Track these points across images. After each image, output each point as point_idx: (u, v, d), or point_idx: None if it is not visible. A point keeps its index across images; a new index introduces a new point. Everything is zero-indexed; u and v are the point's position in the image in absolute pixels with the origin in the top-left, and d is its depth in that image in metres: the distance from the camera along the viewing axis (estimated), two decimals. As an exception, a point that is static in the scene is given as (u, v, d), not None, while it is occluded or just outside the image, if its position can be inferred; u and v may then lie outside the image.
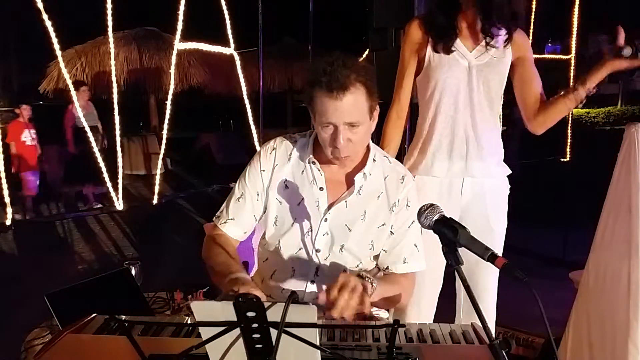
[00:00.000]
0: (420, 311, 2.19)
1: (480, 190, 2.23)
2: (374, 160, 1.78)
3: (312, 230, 1.74)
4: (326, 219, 1.73)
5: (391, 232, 1.77)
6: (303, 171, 1.77)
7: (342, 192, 1.76)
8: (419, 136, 2.30)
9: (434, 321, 2.22)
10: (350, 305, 1.39)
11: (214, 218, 1.86)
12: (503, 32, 2.18)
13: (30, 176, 7.30)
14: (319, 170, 1.75)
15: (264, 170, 1.79)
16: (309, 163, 1.76)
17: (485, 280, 2.22)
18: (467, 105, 2.19)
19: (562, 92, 2.21)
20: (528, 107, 2.29)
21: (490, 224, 2.21)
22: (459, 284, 2.37)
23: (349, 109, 1.57)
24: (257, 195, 1.79)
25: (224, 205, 1.85)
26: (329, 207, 1.74)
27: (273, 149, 1.81)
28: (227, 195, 1.88)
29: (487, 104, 2.21)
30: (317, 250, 1.74)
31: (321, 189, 1.75)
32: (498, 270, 2.22)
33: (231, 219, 1.81)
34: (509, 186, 2.33)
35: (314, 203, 1.74)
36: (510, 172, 2.32)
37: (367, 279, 1.53)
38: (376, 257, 1.81)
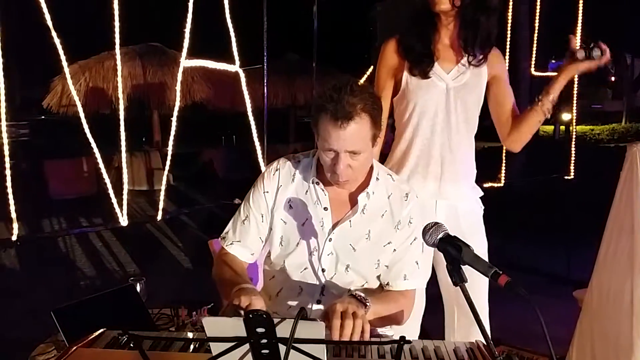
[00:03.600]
0: (403, 330, 2.17)
1: (454, 213, 2.24)
2: (377, 179, 1.79)
3: (317, 250, 1.75)
4: (330, 238, 1.74)
5: (394, 249, 1.77)
6: (307, 191, 1.78)
7: (346, 212, 1.77)
8: (395, 156, 2.31)
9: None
10: (356, 331, 1.40)
11: (220, 239, 1.87)
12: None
13: None
14: (322, 190, 1.76)
15: (267, 192, 1.80)
16: (312, 184, 1.77)
17: (475, 299, 2.19)
18: (444, 127, 2.20)
19: (529, 107, 2.23)
20: (502, 125, 2.32)
21: (471, 245, 2.18)
22: (449, 303, 2.37)
23: (351, 139, 1.59)
24: (261, 217, 1.81)
25: (230, 226, 1.86)
26: (334, 226, 1.75)
27: (276, 170, 1.82)
28: (230, 212, 1.90)
29: (464, 125, 2.23)
30: (323, 270, 1.75)
31: (325, 209, 1.76)
32: (487, 288, 2.23)
33: (237, 241, 1.82)
34: (483, 207, 2.33)
35: (318, 223, 1.75)
36: (482, 194, 2.33)
37: (359, 297, 1.54)
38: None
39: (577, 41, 2.11)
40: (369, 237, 1.75)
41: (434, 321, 2.38)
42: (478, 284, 2.09)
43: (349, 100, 1.56)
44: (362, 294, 1.57)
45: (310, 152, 1.84)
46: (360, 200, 1.74)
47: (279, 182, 1.80)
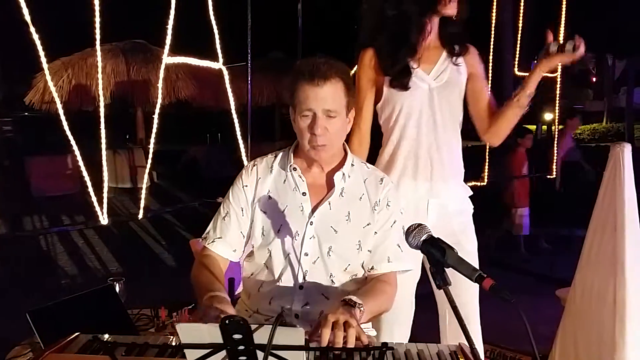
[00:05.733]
0: (393, 336, 2.16)
1: (445, 212, 2.23)
2: (352, 164, 1.84)
3: (298, 234, 1.76)
4: (312, 222, 1.76)
5: (375, 232, 1.80)
6: (285, 180, 1.82)
7: (324, 195, 1.80)
8: (383, 159, 2.29)
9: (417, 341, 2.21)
10: (349, 341, 1.37)
11: (201, 239, 1.86)
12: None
13: (524, 213, 6.31)
14: (300, 176, 1.80)
15: (246, 186, 1.83)
16: (290, 170, 1.81)
17: (467, 299, 2.17)
18: (430, 127, 2.20)
19: (507, 101, 2.23)
20: (481, 120, 2.33)
21: (462, 243, 2.16)
22: (441, 305, 2.35)
23: (328, 97, 1.68)
24: (241, 211, 1.81)
25: (210, 225, 1.86)
26: (313, 210, 1.78)
27: (254, 165, 1.87)
28: (213, 211, 1.88)
29: (450, 123, 2.23)
30: (305, 254, 1.75)
31: (304, 194, 1.79)
32: (477, 289, 2.22)
33: (219, 238, 1.81)
34: (472, 206, 2.33)
35: (298, 208, 1.78)
36: (471, 193, 2.33)
37: (353, 304, 1.52)
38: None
39: (552, 36, 2.10)
40: (349, 219, 1.77)
41: (423, 320, 2.36)
42: (469, 286, 2.08)
43: (324, 65, 1.69)
44: (355, 299, 1.54)
45: (286, 148, 1.88)
46: (337, 181, 1.79)
47: (258, 175, 1.84)
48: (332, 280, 1.77)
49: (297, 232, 1.76)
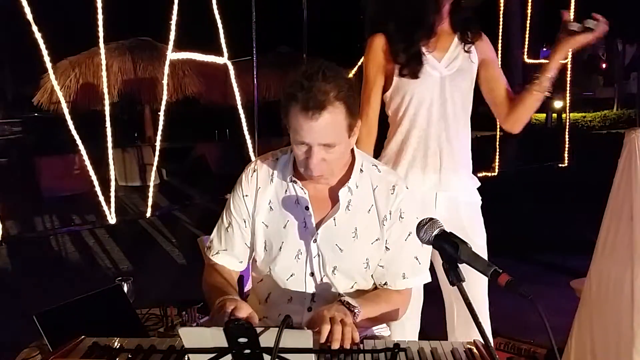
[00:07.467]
0: (405, 330, 2.10)
1: (454, 204, 2.19)
2: (361, 170, 1.67)
3: (302, 253, 1.64)
4: (315, 239, 1.64)
5: (386, 247, 1.66)
6: (287, 191, 1.67)
7: (328, 210, 1.66)
8: (390, 150, 2.24)
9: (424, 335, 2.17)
10: (346, 337, 1.30)
11: (206, 248, 1.79)
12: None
13: None
14: (302, 189, 1.64)
15: (246, 196, 1.70)
16: (290, 182, 1.66)
17: (476, 292, 2.11)
18: (440, 117, 2.15)
19: (527, 87, 2.18)
20: (498, 107, 2.27)
21: (471, 237, 2.09)
22: (448, 299, 2.31)
23: (324, 130, 1.47)
24: (244, 223, 1.71)
25: (214, 234, 1.77)
26: (317, 226, 1.64)
27: (254, 171, 1.72)
28: (223, 207, 1.81)
29: (461, 113, 2.19)
30: (311, 274, 1.65)
31: (307, 208, 1.65)
32: (486, 280, 2.18)
33: (224, 250, 1.73)
34: (480, 197, 2.28)
35: (301, 224, 1.64)
36: (479, 184, 2.28)
37: (347, 305, 1.45)
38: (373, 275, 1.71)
39: (570, 15, 2.04)
40: (356, 236, 1.64)
41: (433, 313, 2.33)
42: (478, 277, 2.04)
43: (320, 88, 1.45)
44: (351, 301, 1.48)
45: (288, 149, 1.71)
46: (342, 196, 1.63)
47: (258, 184, 1.70)
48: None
49: (300, 250, 1.64)
